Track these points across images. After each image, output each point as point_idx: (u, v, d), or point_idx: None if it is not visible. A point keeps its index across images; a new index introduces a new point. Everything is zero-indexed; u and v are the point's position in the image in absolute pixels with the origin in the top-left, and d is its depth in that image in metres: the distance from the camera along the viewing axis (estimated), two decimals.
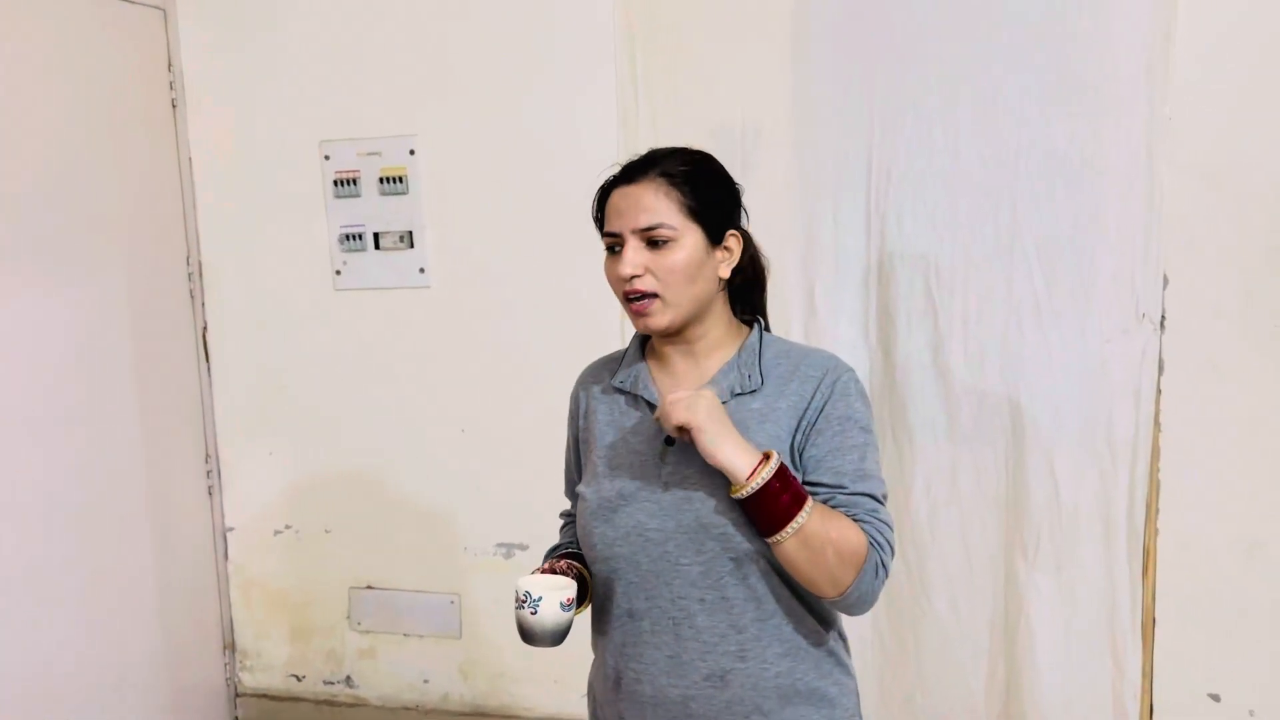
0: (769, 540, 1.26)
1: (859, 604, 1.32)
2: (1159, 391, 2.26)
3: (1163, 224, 2.21)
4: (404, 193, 2.70)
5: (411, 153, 2.69)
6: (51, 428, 2.40)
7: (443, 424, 2.78)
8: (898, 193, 2.35)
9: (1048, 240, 2.27)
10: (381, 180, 2.71)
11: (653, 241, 1.32)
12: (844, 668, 1.42)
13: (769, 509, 1.24)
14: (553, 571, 1.38)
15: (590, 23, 2.51)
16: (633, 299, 1.34)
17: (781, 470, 1.24)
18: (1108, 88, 2.20)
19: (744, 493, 1.23)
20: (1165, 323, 2.24)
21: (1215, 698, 2.32)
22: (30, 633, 2.33)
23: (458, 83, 2.64)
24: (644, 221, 1.32)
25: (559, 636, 1.31)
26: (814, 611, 1.38)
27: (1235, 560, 2.26)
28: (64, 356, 2.45)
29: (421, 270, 2.73)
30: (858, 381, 1.38)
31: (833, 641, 1.41)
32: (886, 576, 1.32)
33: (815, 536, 1.24)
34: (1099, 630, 2.35)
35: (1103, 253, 2.25)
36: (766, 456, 1.25)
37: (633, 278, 1.32)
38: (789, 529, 1.23)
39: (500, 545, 2.78)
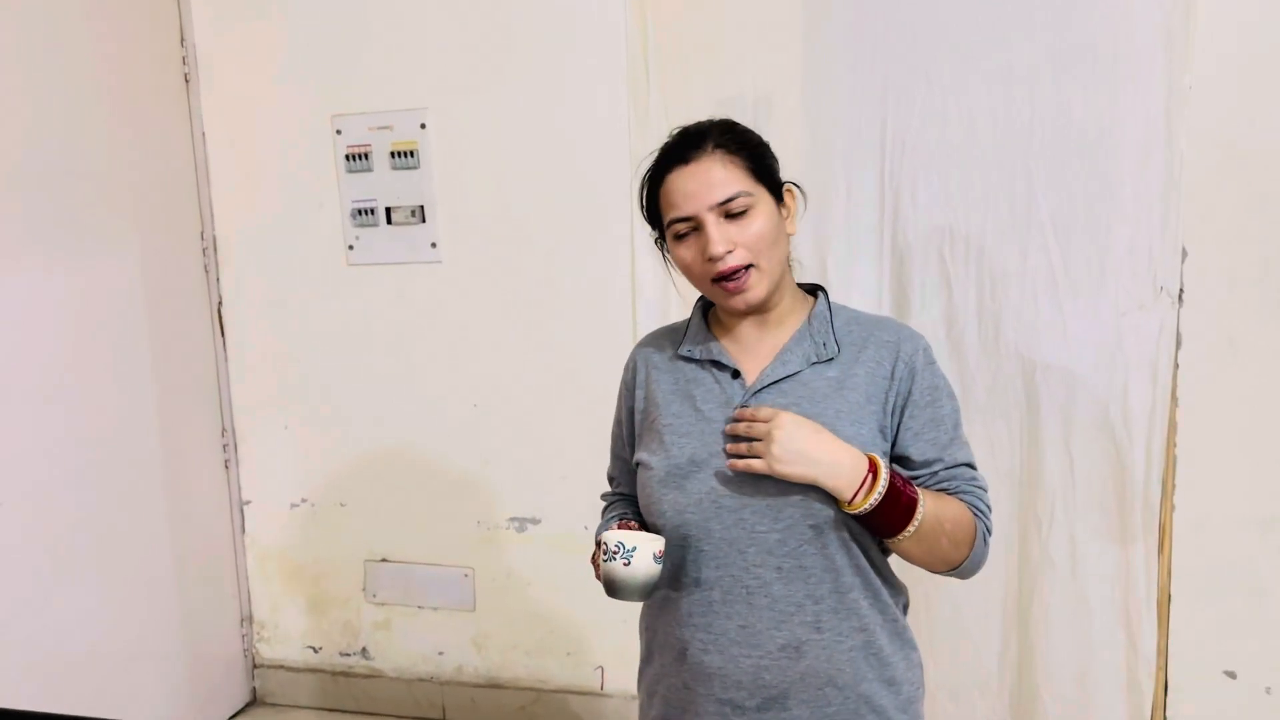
0: (888, 541, 1.25)
1: (969, 572, 1.32)
2: (1176, 366, 2.23)
3: (1181, 196, 2.17)
4: (415, 167, 2.70)
5: (423, 127, 2.68)
6: (68, 403, 2.42)
7: (455, 398, 2.79)
8: (911, 164, 2.32)
9: (1063, 212, 2.24)
10: (393, 155, 2.71)
11: (732, 214, 1.28)
12: (912, 643, 1.40)
13: (886, 519, 1.22)
14: (628, 529, 1.35)
15: None
16: (726, 277, 1.28)
17: (891, 476, 1.22)
18: (1125, 56, 2.15)
19: (864, 508, 1.21)
20: (1183, 296, 2.21)
21: (1231, 675, 2.30)
22: (49, 606, 2.36)
23: (468, 56, 2.63)
24: (722, 194, 1.28)
25: (648, 590, 1.29)
26: (889, 584, 1.37)
27: (1252, 537, 2.24)
28: (80, 332, 2.46)
29: (433, 245, 2.73)
30: (930, 348, 1.37)
31: (903, 616, 1.40)
32: (990, 536, 1.33)
33: (930, 529, 1.23)
34: (1113, 607, 2.34)
35: (1119, 225, 2.21)
36: (872, 463, 1.22)
37: (726, 254, 1.27)
38: (907, 531, 1.22)
39: (513, 519, 2.80)
